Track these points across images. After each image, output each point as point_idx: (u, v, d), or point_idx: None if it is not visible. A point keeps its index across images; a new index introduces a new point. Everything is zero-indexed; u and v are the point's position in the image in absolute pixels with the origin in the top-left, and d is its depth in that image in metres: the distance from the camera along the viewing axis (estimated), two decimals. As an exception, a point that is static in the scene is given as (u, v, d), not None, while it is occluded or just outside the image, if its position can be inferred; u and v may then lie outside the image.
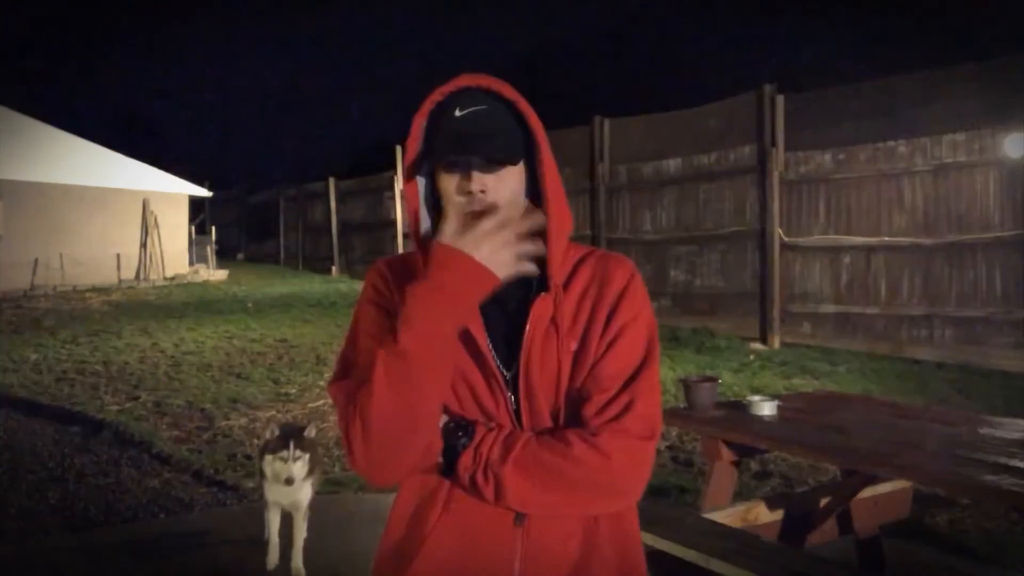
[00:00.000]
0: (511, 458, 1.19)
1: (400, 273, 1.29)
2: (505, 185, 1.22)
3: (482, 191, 1.20)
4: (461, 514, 1.23)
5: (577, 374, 1.25)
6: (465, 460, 1.20)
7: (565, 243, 1.28)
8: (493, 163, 1.21)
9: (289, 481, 3.32)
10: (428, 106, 1.26)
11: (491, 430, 1.22)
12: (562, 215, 1.26)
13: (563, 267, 1.28)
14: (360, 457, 1.18)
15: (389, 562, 1.30)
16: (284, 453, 3.31)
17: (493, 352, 1.25)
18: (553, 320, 1.24)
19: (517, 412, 1.25)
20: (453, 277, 1.14)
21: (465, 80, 1.25)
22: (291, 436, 3.36)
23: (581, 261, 1.31)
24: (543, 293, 1.24)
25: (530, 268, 1.20)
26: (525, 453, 1.19)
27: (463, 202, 1.20)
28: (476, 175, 1.20)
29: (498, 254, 1.15)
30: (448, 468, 1.22)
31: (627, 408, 1.21)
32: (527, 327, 1.23)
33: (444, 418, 1.24)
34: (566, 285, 1.28)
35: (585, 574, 1.24)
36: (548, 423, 1.24)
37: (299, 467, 3.34)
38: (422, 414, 1.18)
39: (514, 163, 1.23)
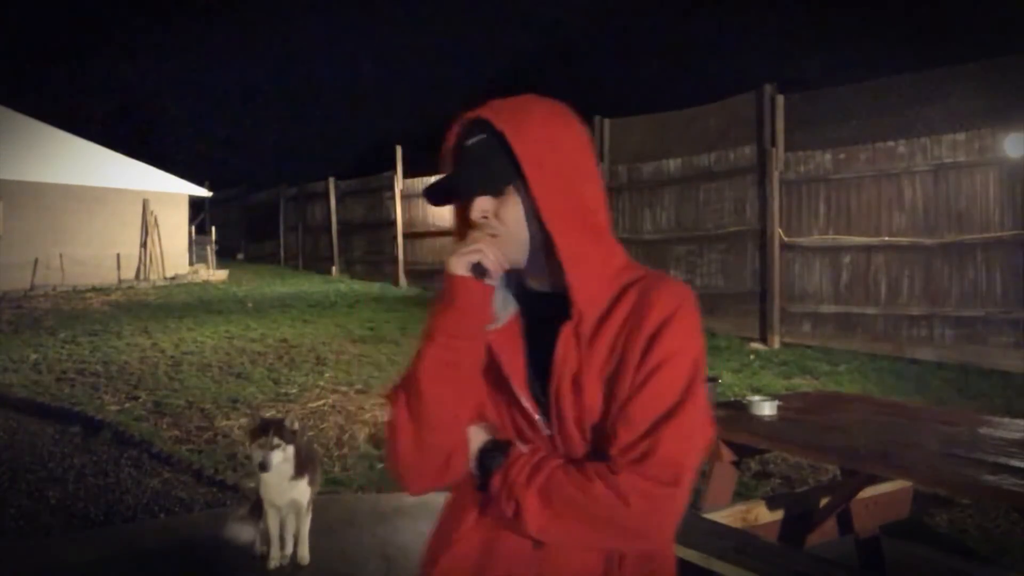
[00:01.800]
0: (534, 485, 1.18)
1: None
2: (507, 209, 1.24)
3: (484, 217, 1.24)
4: (490, 527, 1.25)
5: (611, 406, 1.21)
6: (496, 480, 1.22)
7: (591, 266, 1.24)
8: (469, 196, 1.25)
9: (263, 467, 3.27)
10: (452, 137, 1.29)
11: (523, 454, 1.23)
12: (572, 238, 1.23)
13: (604, 290, 1.25)
14: (390, 458, 1.28)
15: (427, 552, 1.36)
16: (262, 440, 3.30)
17: (529, 378, 1.26)
18: (578, 348, 1.22)
19: (552, 438, 1.25)
20: (445, 293, 1.25)
21: (472, 113, 1.28)
22: (271, 425, 3.34)
23: (630, 285, 1.26)
24: (568, 321, 1.23)
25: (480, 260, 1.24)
26: (549, 482, 1.18)
27: (478, 224, 1.26)
28: (476, 202, 1.24)
29: (464, 258, 1.23)
30: (482, 486, 1.25)
31: (651, 450, 1.16)
32: (555, 355, 1.23)
33: (484, 437, 1.27)
34: (610, 310, 1.24)
35: None
36: (581, 452, 1.23)
37: (276, 455, 3.28)
38: (438, 419, 1.24)
39: (491, 194, 1.24)
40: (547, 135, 1.26)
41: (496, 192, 1.24)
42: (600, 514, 1.16)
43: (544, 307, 1.27)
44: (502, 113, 1.25)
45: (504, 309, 1.28)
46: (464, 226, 1.30)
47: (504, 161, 1.23)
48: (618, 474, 1.16)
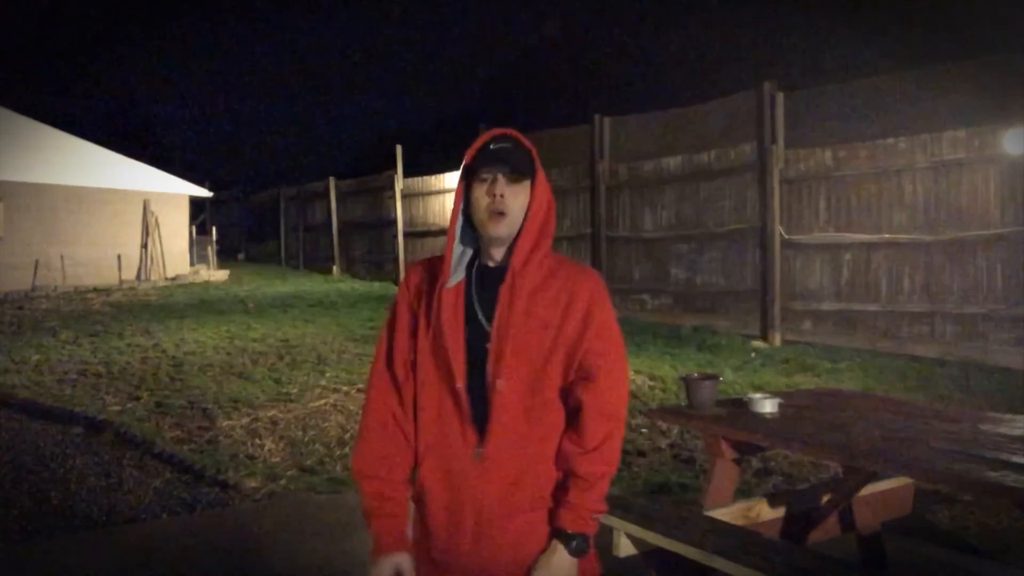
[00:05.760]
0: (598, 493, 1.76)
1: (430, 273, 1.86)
2: (516, 198, 1.77)
3: (502, 195, 1.75)
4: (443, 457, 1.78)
5: (557, 342, 1.78)
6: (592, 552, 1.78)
7: (530, 249, 1.77)
8: (514, 174, 1.76)
9: None
10: (479, 144, 1.79)
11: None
12: (535, 228, 1.79)
13: (537, 267, 1.78)
14: None
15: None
16: None
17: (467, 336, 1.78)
18: (511, 293, 1.75)
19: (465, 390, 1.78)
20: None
21: (498, 131, 1.82)
22: None
23: (558, 266, 1.83)
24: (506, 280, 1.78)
25: None
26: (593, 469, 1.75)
27: (489, 202, 1.75)
28: (501, 184, 1.76)
29: None
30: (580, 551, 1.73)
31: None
32: (499, 294, 1.77)
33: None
34: (545, 281, 1.79)
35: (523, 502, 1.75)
36: (518, 394, 1.76)
37: None
38: None
39: (526, 177, 1.78)
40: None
41: (523, 176, 1.78)
42: (620, 413, 1.78)
43: (494, 276, 1.79)
44: (519, 135, 1.81)
45: (460, 265, 1.80)
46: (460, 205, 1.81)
47: (529, 162, 1.80)
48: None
